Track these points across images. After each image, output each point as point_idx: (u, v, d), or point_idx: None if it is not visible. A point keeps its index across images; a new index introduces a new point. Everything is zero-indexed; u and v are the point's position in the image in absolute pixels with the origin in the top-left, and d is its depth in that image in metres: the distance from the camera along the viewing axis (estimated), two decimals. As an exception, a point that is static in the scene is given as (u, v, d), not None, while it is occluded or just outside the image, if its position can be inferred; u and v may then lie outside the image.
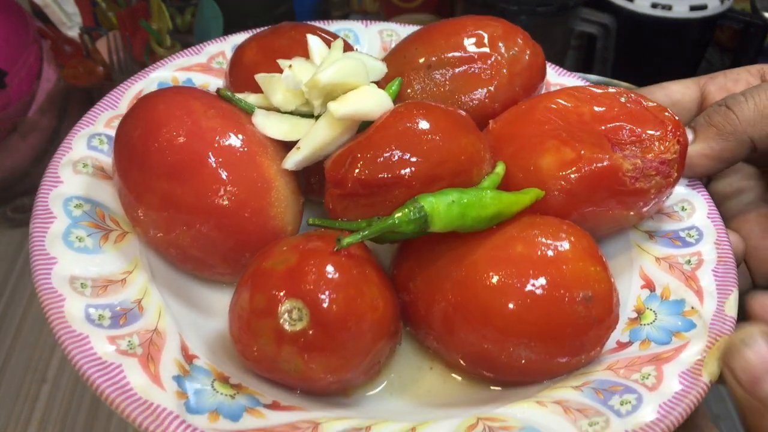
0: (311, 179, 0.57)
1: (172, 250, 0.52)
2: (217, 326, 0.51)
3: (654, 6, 0.90)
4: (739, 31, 0.99)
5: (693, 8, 0.90)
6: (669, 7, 0.90)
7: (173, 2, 0.94)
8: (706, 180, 0.65)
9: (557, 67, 0.71)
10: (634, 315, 0.53)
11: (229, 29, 0.75)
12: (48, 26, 0.88)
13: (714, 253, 0.55)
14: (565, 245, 0.48)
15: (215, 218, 0.50)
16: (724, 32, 1.04)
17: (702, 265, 0.54)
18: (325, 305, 0.44)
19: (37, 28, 0.85)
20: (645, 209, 0.55)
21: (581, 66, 1.04)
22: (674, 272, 0.54)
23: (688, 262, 0.55)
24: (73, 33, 0.92)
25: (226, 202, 0.50)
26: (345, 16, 1.18)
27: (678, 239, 0.57)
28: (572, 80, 0.70)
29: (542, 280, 0.46)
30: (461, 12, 1.00)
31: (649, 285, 0.54)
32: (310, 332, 0.44)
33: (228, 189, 0.50)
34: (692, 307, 0.51)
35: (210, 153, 0.50)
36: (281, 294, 0.44)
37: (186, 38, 0.97)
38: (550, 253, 0.47)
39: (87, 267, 0.49)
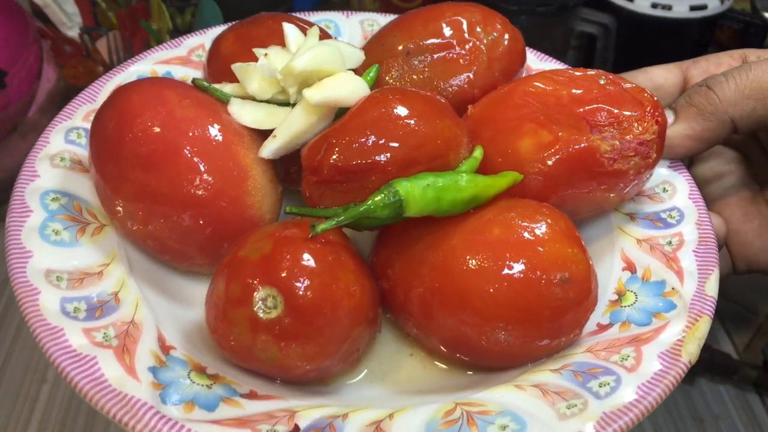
0: (290, 169, 0.57)
1: (149, 241, 0.51)
2: (196, 317, 0.51)
3: (654, 6, 0.90)
4: (739, 31, 1.00)
5: (693, 8, 0.90)
6: (669, 7, 0.90)
7: (173, 2, 0.94)
8: (687, 163, 0.64)
9: (538, 53, 0.71)
10: (615, 297, 0.52)
11: None
12: (48, 26, 0.88)
13: (695, 233, 0.54)
14: (542, 227, 0.47)
15: (192, 208, 0.50)
16: (724, 32, 1.03)
17: (683, 246, 0.54)
18: (299, 292, 0.43)
19: (37, 28, 0.85)
20: (625, 191, 0.54)
21: (581, 66, 1.04)
22: (655, 253, 0.54)
23: (669, 243, 0.54)
24: (73, 33, 0.92)
25: (202, 192, 0.49)
26: None
27: (659, 220, 0.56)
28: (553, 65, 0.70)
29: (519, 263, 0.46)
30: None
31: (630, 267, 0.54)
32: (286, 320, 0.43)
33: (204, 178, 0.49)
34: (673, 288, 0.51)
35: (185, 142, 0.50)
36: (255, 282, 0.44)
37: None
38: (526, 235, 0.47)
39: (63, 260, 0.49)
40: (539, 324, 0.46)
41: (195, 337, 0.49)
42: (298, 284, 0.44)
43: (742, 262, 0.62)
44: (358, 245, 0.51)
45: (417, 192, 0.47)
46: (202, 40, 0.68)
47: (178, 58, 0.67)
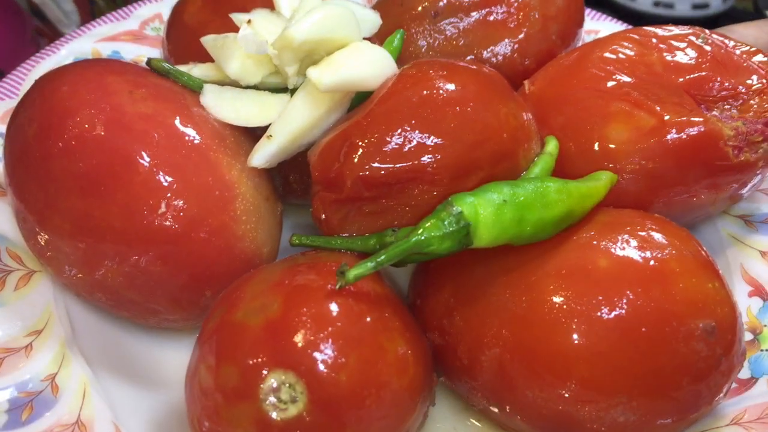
0: (290, 176, 0.42)
1: (99, 294, 0.36)
2: (171, 399, 0.36)
3: (656, 4, 0.89)
4: None
5: (695, 7, 0.89)
6: (671, 6, 0.89)
7: None
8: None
9: (589, 9, 0.56)
10: (750, 336, 0.39)
11: None
12: (46, 25, 0.83)
13: (841, 241, 0.41)
14: (667, 253, 0.33)
15: (157, 246, 0.35)
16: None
17: (828, 259, 0.40)
18: (329, 376, 0.29)
19: (34, 27, 0.81)
20: (745, 189, 0.40)
21: None
22: (791, 271, 0.40)
23: (808, 255, 0.41)
24: (71, 31, 0.83)
25: (170, 222, 0.34)
26: None
27: (786, 224, 0.43)
28: (611, 24, 0.55)
29: (643, 309, 0.32)
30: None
31: (759, 291, 0.40)
32: (310, 418, 0.28)
33: (172, 202, 0.34)
34: (828, 320, 0.38)
35: (142, 151, 0.35)
36: (262, 363, 0.29)
37: None
38: (648, 266, 0.33)
39: (-28, 332, 0.34)
40: (674, 394, 0.32)
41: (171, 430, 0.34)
42: (326, 364, 0.29)
43: None
44: (389, 275, 0.37)
45: (490, 213, 0.32)
46: (157, 8, 0.53)
47: (128, 33, 0.51)
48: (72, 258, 0.35)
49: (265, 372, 0.29)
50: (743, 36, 0.52)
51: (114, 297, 0.36)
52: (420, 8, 0.46)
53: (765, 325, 0.39)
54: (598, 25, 0.56)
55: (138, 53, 0.50)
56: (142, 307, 0.37)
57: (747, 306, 0.40)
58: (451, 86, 0.36)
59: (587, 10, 0.57)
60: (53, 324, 0.36)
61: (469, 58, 0.46)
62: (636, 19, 0.87)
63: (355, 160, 0.34)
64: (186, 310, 0.37)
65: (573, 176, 0.38)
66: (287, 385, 0.29)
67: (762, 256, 0.42)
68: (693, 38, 0.42)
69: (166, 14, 0.52)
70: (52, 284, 0.38)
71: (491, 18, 0.46)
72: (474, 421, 0.38)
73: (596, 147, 0.39)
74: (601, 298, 0.32)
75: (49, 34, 0.84)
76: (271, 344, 0.29)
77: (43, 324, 0.36)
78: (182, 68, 0.40)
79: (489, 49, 0.46)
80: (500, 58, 0.46)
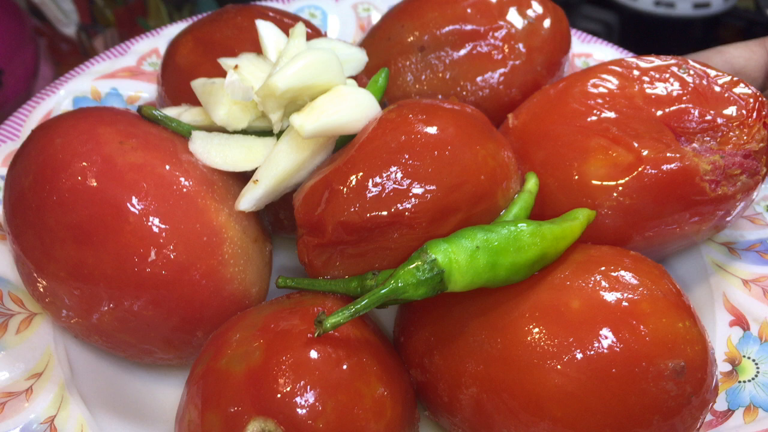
0: (279, 214, 0.43)
1: (96, 336, 0.38)
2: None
3: (657, 4, 0.87)
4: (742, 29, 0.96)
5: (696, 6, 0.88)
6: (672, 5, 0.87)
7: None
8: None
9: (580, 33, 0.57)
10: (728, 367, 0.39)
11: None
12: (45, 24, 0.84)
13: (823, 269, 0.41)
14: (638, 293, 0.34)
15: (148, 291, 0.36)
16: (727, 30, 1.02)
17: (809, 288, 0.41)
18: (307, 423, 0.30)
19: (33, 26, 0.82)
20: (727, 219, 0.41)
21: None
22: (772, 300, 0.41)
23: (789, 284, 0.41)
24: (70, 31, 0.87)
25: (161, 269, 0.36)
26: None
27: (769, 252, 0.43)
28: (602, 47, 0.56)
29: (614, 349, 0.33)
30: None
31: (740, 320, 0.41)
32: (290, 463, 0.30)
33: (162, 250, 0.36)
34: (807, 352, 0.38)
35: (132, 201, 0.36)
36: (243, 411, 0.30)
37: None
38: (619, 307, 0.34)
39: (-25, 376, 0.36)
40: (645, 432, 0.33)
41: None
42: (305, 411, 0.30)
43: None
44: (375, 311, 0.38)
45: (463, 259, 0.33)
46: (155, 43, 0.54)
47: (126, 70, 0.52)
48: (68, 303, 0.37)
49: (246, 420, 0.30)
50: (733, 57, 0.52)
51: (110, 339, 0.38)
52: (407, 42, 0.47)
53: (744, 356, 0.39)
54: (589, 48, 0.57)
55: (136, 89, 0.51)
56: (137, 348, 0.38)
57: (728, 336, 0.40)
58: (429, 130, 0.37)
59: (578, 33, 0.57)
60: (53, 366, 0.38)
61: (455, 90, 0.46)
62: (638, 17, 0.88)
63: (336, 206, 0.35)
64: (179, 350, 0.38)
65: (554, 211, 0.39)
66: (267, 432, 0.30)
67: (744, 284, 0.42)
68: (675, 69, 0.43)
69: (162, 48, 0.54)
70: (52, 326, 0.39)
71: (476, 51, 0.46)
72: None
73: (576, 183, 0.40)
74: (572, 339, 0.33)
75: (48, 33, 0.86)
76: (252, 392, 0.31)
77: (43, 367, 0.37)
78: (172, 112, 0.41)
79: (475, 81, 0.46)
80: (486, 90, 0.46)
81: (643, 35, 0.93)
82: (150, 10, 0.87)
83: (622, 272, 0.35)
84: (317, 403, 0.30)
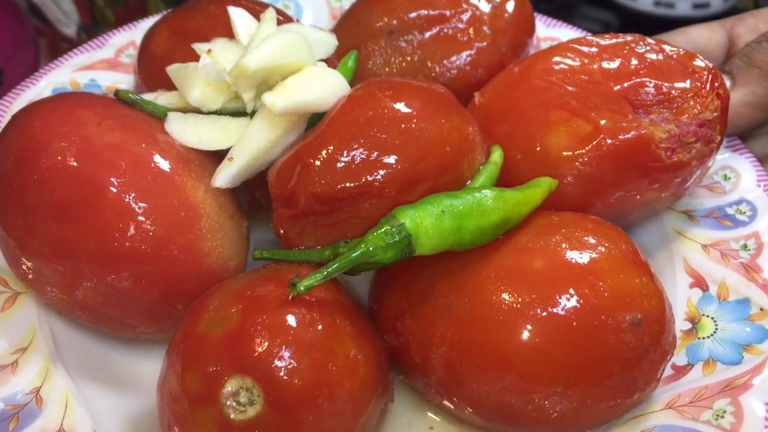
0: (256, 193, 0.45)
1: (79, 312, 0.39)
2: (147, 405, 0.39)
3: (657, 4, 0.88)
4: None
5: (696, 6, 0.88)
6: (672, 5, 0.88)
7: None
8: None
9: (546, 18, 0.59)
10: (688, 326, 0.41)
11: None
12: (45, 24, 0.84)
13: (776, 231, 0.43)
14: (597, 252, 0.36)
15: (129, 265, 0.37)
16: None
17: (763, 250, 0.43)
18: (283, 380, 0.32)
19: (34, 27, 0.83)
20: (684, 186, 0.43)
21: None
22: (729, 262, 0.43)
23: (745, 247, 0.43)
24: (70, 31, 0.86)
25: (140, 243, 0.37)
26: None
27: (726, 218, 0.45)
28: (568, 31, 0.58)
29: (574, 305, 0.34)
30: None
31: (700, 282, 0.43)
32: (267, 418, 0.31)
33: (141, 225, 0.37)
34: (761, 308, 0.40)
35: (111, 179, 0.37)
36: (221, 370, 0.32)
37: None
38: (579, 265, 0.35)
39: (-38, 352, 0.37)
40: (606, 383, 0.35)
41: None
42: (280, 369, 0.32)
43: None
44: (350, 282, 0.40)
45: (429, 223, 0.34)
46: (132, 36, 0.55)
47: (104, 62, 0.53)
48: (52, 280, 0.38)
49: (224, 378, 0.32)
50: (696, 37, 0.53)
51: (93, 314, 0.39)
52: (376, 27, 0.49)
53: (704, 315, 0.41)
54: (556, 32, 0.59)
55: (114, 80, 0.53)
56: (120, 322, 0.39)
57: (688, 297, 0.42)
58: (395, 105, 0.38)
59: (543, 18, 0.59)
60: (37, 341, 0.39)
61: (423, 72, 0.48)
62: (637, 18, 0.89)
63: (308, 178, 0.37)
64: (160, 323, 0.40)
65: (519, 182, 0.41)
66: (245, 389, 0.31)
67: (703, 248, 0.44)
68: (633, 45, 0.45)
69: (139, 40, 0.55)
70: (36, 304, 0.41)
71: (443, 34, 0.48)
72: (431, 415, 0.40)
73: (538, 154, 0.41)
74: (535, 297, 0.35)
75: (49, 33, 0.86)
76: (229, 353, 0.32)
77: (28, 342, 0.39)
78: (148, 96, 0.43)
79: (442, 63, 0.48)
80: (454, 71, 0.48)
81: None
82: (150, 11, 0.87)
83: (582, 234, 0.37)
84: (292, 361, 0.32)
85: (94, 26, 0.88)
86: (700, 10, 0.89)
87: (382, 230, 0.34)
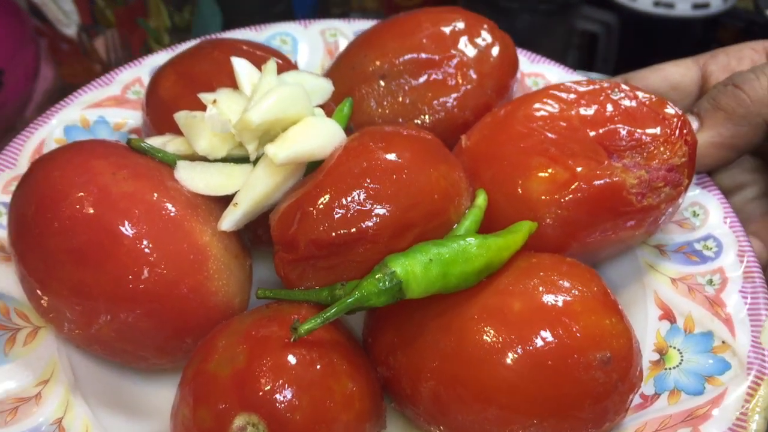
0: (258, 231, 0.48)
1: (95, 346, 0.42)
2: (160, 430, 0.42)
3: (656, 4, 0.89)
4: (742, 30, 0.99)
5: (695, 6, 0.90)
6: (671, 6, 0.89)
7: (171, 0, 0.90)
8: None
9: (529, 53, 0.62)
10: (656, 356, 0.45)
11: (228, 27, 0.68)
12: (45, 24, 0.86)
13: (738, 268, 0.47)
14: (571, 295, 0.39)
15: (142, 305, 0.40)
16: (726, 31, 1.02)
17: (727, 285, 0.46)
18: (285, 416, 0.35)
19: (34, 27, 0.84)
20: (655, 225, 0.46)
21: (583, 65, 1.04)
22: (695, 296, 0.46)
23: (710, 282, 0.47)
24: (71, 31, 0.88)
25: (153, 285, 0.40)
26: (344, 14, 1.08)
27: (694, 253, 0.49)
28: (550, 68, 0.61)
29: (549, 344, 0.38)
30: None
31: (668, 315, 0.46)
32: (272, 451, 0.35)
33: (154, 268, 0.40)
34: (723, 341, 0.44)
35: (125, 226, 0.40)
36: (230, 408, 0.35)
37: (184, 36, 0.91)
38: (554, 307, 0.39)
39: (-11, 386, 0.40)
40: (578, 415, 0.38)
41: (163, 459, 0.41)
42: (283, 406, 0.35)
43: None
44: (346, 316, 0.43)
45: (418, 271, 0.38)
46: (137, 72, 0.58)
47: (111, 99, 0.56)
48: (70, 317, 0.41)
49: (233, 414, 0.35)
50: (671, 74, 0.56)
51: (108, 348, 0.42)
52: (369, 71, 0.52)
53: (671, 346, 0.45)
54: (539, 68, 0.62)
55: (122, 116, 0.56)
56: (134, 355, 0.43)
57: (657, 329, 0.46)
58: (388, 156, 0.42)
59: (528, 54, 0.62)
60: (58, 373, 0.42)
61: (414, 114, 0.51)
62: (637, 18, 0.91)
63: (307, 225, 0.40)
64: (171, 355, 0.43)
65: (502, 223, 0.44)
66: (251, 425, 0.35)
67: (672, 282, 0.48)
68: (608, 92, 0.48)
69: (144, 78, 0.58)
70: (56, 338, 0.44)
71: (432, 78, 0.51)
72: (418, 440, 0.44)
73: (520, 197, 0.45)
74: (514, 336, 0.38)
75: (49, 34, 0.87)
76: (237, 391, 0.36)
77: (49, 374, 0.42)
78: (157, 141, 0.46)
79: (432, 105, 0.51)
80: (442, 113, 0.51)
81: (643, 36, 0.96)
82: (150, 11, 0.89)
83: (558, 277, 0.40)
84: (294, 399, 0.35)
85: (94, 26, 0.90)
86: (700, 10, 0.90)
87: (376, 278, 0.38)
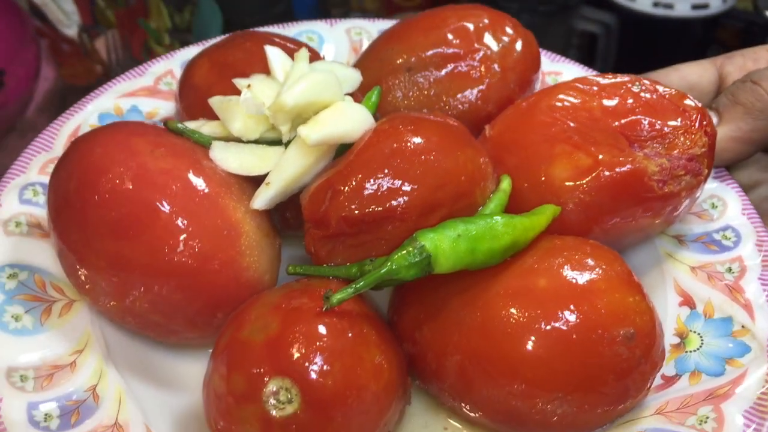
0: (286, 214, 0.49)
1: (129, 318, 0.43)
2: (191, 404, 0.43)
3: (656, 5, 0.89)
4: (741, 31, 0.98)
5: (695, 7, 0.90)
6: (671, 6, 0.89)
7: (172, 0, 0.91)
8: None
9: (551, 53, 0.63)
10: (677, 340, 0.45)
11: (228, 27, 0.69)
12: (46, 25, 0.87)
13: (757, 256, 0.48)
14: (595, 274, 0.40)
15: (176, 278, 0.42)
16: (726, 31, 1.03)
17: (746, 273, 0.47)
18: (318, 381, 0.36)
19: (35, 27, 0.85)
20: (675, 214, 0.47)
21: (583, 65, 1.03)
22: (715, 283, 0.47)
23: (729, 270, 0.48)
24: (72, 32, 0.90)
25: (188, 258, 0.41)
26: (345, 15, 1.10)
27: (713, 243, 0.50)
28: (570, 66, 0.62)
29: (574, 320, 0.39)
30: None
31: (688, 301, 0.47)
32: (304, 415, 0.36)
33: (188, 242, 0.41)
34: (743, 326, 0.44)
35: (162, 201, 0.42)
36: (264, 372, 0.36)
37: (185, 37, 0.93)
38: (579, 285, 0.40)
39: (27, 353, 0.41)
40: (602, 390, 0.39)
41: (192, 429, 0.42)
42: (315, 371, 0.36)
43: None
44: (372, 295, 0.44)
45: (447, 246, 0.39)
46: (169, 65, 0.60)
47: (144, 89, 0.58)
48: (106, 289, 0.42)
49: (266, 379, 0.36)
50: (688, 74, 0.57)
51: (141, 320, 0.43)
52: (396, 64, 0.53)
53: (691, 331, 0.45)
54: (559, 67, 0.63)
55: (154, 106, 0.57)
56: (165, 328, 0.44)
57: (677, 314, 0.47)
58: (416, 139, 0.43)
59: (548, 53, 0.64)
60: (92, 344, 0.43)
61: (438, 105, 0.53)
62: (636, 19, 0.91)
63: (338, 203, 0.41)
64: (201, 330, 0.44)
65: (525, 209, 0.45)
66: (284, 389, 0.36)
67: (691, 270, 0.48)
68: (629, 85, 0.49)
69: (176, 70, 0.60)
70: (89, 311, 0.45)
71: (457, 71, 0.53)
72: (444, 417, 0.45)
73: (543, 184, 0.46)
74: (539, 312, 0.39)
75: (50, 34, 0.88)
76: (271, 357, 0.37)
77: (83, 344, 0.43)
78: (193, 125, 0.47)
79: (456, 97, 0.52)
80: (466, 105, 0.53)
81: (642, 36, 0.96)
82: (151, 11, 0.90)
83: (582, 256, 0.41)
84: (326, 365, 0.36)
85: (95, 27, 0.91)
86: (699, 10, 0.91)
87: (406, 251, 0.39)
